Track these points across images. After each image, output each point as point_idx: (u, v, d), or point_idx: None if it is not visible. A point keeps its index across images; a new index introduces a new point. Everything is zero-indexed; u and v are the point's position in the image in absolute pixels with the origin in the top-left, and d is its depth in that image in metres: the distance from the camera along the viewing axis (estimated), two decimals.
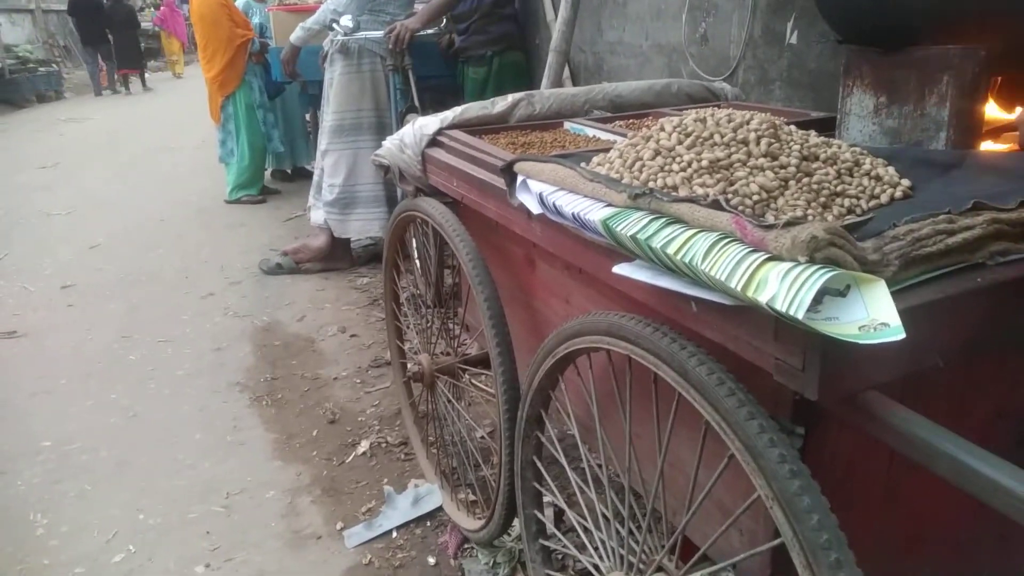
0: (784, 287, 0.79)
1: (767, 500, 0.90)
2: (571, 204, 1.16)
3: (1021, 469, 0.75)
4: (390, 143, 2.01)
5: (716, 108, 1.29)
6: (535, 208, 1.29)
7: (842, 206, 1.10)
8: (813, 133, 1.23)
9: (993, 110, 1.47)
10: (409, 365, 2.16)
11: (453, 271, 2.14)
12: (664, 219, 0.99)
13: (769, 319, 0.86)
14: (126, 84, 14.54)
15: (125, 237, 4.98)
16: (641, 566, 1.19)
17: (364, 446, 2.47)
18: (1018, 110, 1.50)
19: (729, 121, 1.19)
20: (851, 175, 1.16)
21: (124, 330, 3.49)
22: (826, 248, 0.81)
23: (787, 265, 0.81)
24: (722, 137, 1.16)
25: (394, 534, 2.06)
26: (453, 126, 1.93)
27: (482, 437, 2.33)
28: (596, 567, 1.32)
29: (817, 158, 1.16)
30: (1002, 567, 1.32)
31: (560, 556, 1.81)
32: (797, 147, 1.16)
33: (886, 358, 0.83)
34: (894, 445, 0.86)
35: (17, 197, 6.24)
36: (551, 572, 1.58)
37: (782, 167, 1.12)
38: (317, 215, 4.05)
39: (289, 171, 6.35)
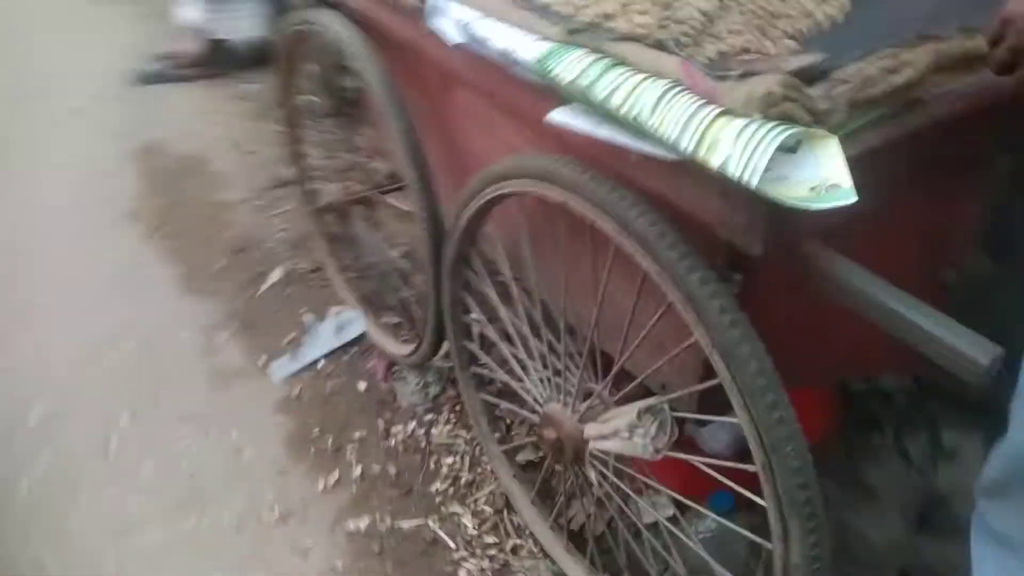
0: (738, 149, 0.75)
1: (707, 348, 0.93)
2: (498, 37, 1.05)
3: (940, 312, 0.80)
4: None
5: None
6: (455, 36, 1.17)
7: (782, 29, 1.05)
8: None
9: None
10: (320, 195, 2.06)
11: (356, 91, 1.97)
12: (605, 61, 0.92)
13: (715, 174, 0.83)
14: None
15: None
16: (575, 397, 1.24)
17: (277, 275, 2.38)
18: None
19: None
20: None
21: None
22: (781, 103, 0.77)
23: (740, 124, 0.77)
24: None
25: (320, 364, 2.05)
26: None
27: (400, 257, 2.29)
28: (529, 393, 1.38)
29: None
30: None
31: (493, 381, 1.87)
32: None
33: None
34: (829, 293, 0.88)
35: None
36: (485, 395, 1.63)
37: None
38: (190, 12, 3.59)
39: None
